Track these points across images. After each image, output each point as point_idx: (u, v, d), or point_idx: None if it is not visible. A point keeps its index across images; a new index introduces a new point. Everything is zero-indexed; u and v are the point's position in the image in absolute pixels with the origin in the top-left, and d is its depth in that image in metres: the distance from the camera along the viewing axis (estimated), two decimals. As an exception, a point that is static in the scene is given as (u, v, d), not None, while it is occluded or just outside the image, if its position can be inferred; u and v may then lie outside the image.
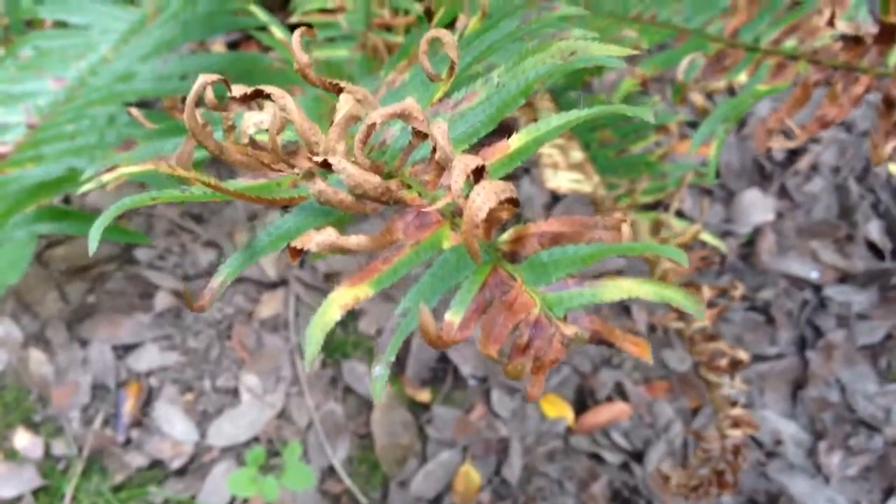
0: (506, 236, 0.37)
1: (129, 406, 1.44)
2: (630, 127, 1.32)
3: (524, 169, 1.66)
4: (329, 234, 0.35)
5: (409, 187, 0.39)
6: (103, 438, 1.42)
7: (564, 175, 1.29)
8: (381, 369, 0.33)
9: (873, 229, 1.63)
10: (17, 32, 1.24)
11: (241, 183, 0.43)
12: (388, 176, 0.41)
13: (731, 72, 0.91)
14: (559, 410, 1.52)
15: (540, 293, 0.34)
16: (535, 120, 1.41)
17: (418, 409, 1.50)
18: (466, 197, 0.32)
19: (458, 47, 0.42)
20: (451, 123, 0.43)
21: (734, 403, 1.16)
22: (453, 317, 0.33)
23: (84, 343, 1.48)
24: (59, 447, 1.41)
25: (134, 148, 0.61)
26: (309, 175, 0.36)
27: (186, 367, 1.49)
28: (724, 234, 1.63)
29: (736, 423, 1.11)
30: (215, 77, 0.44)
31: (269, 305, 1.54)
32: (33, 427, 1.42)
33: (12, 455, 1.39)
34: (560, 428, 1.50)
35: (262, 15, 1.03)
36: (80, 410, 1.44)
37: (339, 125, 0.40)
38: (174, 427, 1.44)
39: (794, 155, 1.70)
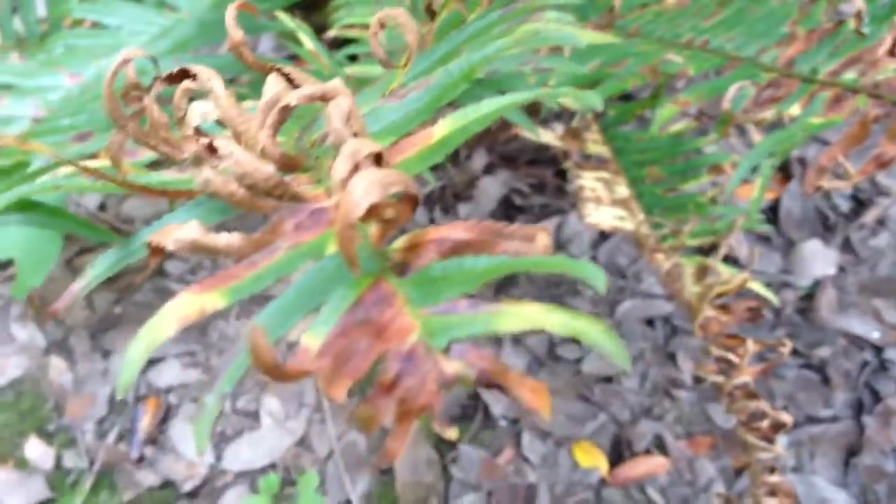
0: (399, 242, 0.29)
1: (145, 422, 1.40)
2: (681, 165, 1.25)
3: (572, 204, 1.59)
4: (191, 230, 0.28)
5: (321, 183, 0.33)
6: (116, 454, 1.38)
7: (607, 210, 1.22)
8: (211, 400, 0.26)
9: (944, 291, 1.52)
10: (55, 31, 1.22)
11: (161, 177, 0.37)
12: (307, 171, 0.35)
13: (784, 103, 0.84)
14: (593, 460, 1.43)
15: (423, 316, 0.27)
16: (584, 151, 1.34)
17: (444, 446, 1.42)
18: (352, 190, 0.26)
19: (416, 31, 0.36)
20: (387, 111, 0.36)
21: (773, 469, 1.07)
22: (310, 340, 0.26)
23: (106, 354, 1.45)
24: (70, 459, 1.37)
25: (89, 140, 0.57)
26: (197, 161, 0.30)
27: (208, 385, 1.44)
28: (782, 286, 1.53)
29: (773, 492, 1.01)
30: (139, 52, 0.39)
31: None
32: (46, 437, 1.39)
33: (22, 464, 1.36)
34: (593, 479, 1.41)
35: (288, 21, 0.99)
36: (95, 423, 1.40)
37: (262, 110, 0.34)
38: (190, 447, 1.40)
39: (860, 207, 1.59)
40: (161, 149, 0.37)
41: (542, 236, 0.27)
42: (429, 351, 0.25)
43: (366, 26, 1.18)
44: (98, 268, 0.33)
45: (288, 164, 0.34)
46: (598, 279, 0.25)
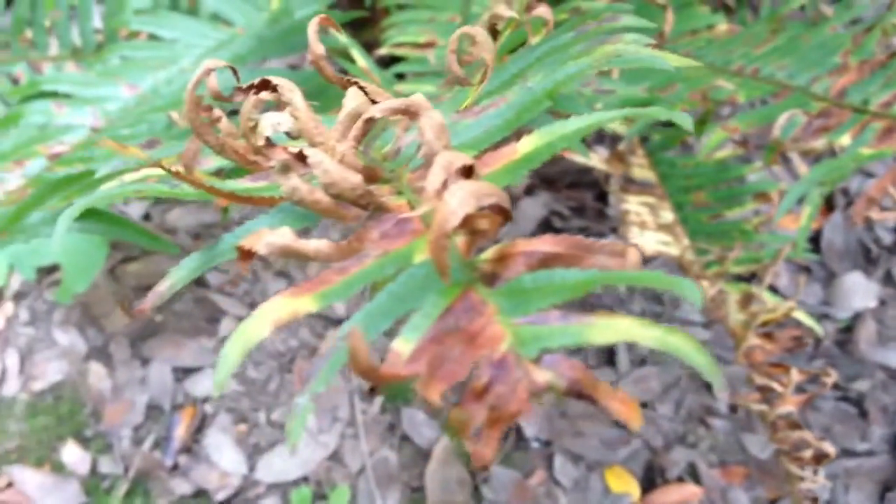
0: (488, 254, 0.30)
1: (181, 430, 1.41)
2: (727, 191, 1.25)
3: (612, 228, 1.59)
4: (283, 236, 0.29)
5: (402, 194, 0.34)
6: (151, 461, 1.39)
7: (651, 235, 1.22)
8: (303, 401, 0.27)
9: None
10: (111, 42, 1.24)
11: (238, 185, 0.38)
12: (384, 183, 0.35)
13: (834, 133, 0.83)
14: (625, 485, 1.42)
15: (513, 325, 0.27)
16: (628, 175, 1.34)
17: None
18: (445, 201, 0.26)
19: (493, 50, 0.37)
20: (464, 127, 0.37)
21: (815, 500, 1.06)
22: (402, 345, 0.27)
23: (145, 362, 1.46)
24: (106, 465, 1.38)
25: (157, 147, 0.58)
26: (284, 169, 0.30)
27: (243, 396, 1.45)
28: (822, 317, 1.52)
29: (812, 522, 1.01)
30: (220, 63, 0.39)
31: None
32: (83, 442, 1.40)
33: (59, 468, 1.37)
34: (625, 505, 1.41)
35: (342, 38, 1.00)
36: (131, 429, 1.41)
37: (342, 122, 0.35)
38: (223, 457, 1.40)
39: (904, 239, 1.58)
40: (245, 158, 0.38)
41: (633, 252, 0.27)
42: (519, 360, 0.26)
43: (416, 45, 1.19)
44: (183, 269, 0.34)
45: (367, 176, 0.34)
46: (695, 294, 0.25)
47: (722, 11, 1.38)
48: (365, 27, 1.41)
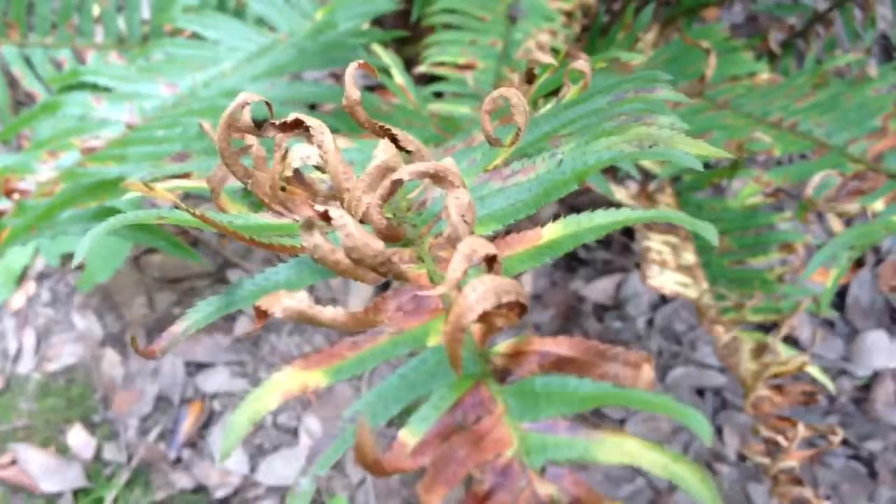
0: (502, 347, 0.30)
1: (187, 424, 1.42)
2: (752, 239, 1.24)
3: (636, 263, 1.58)
4: (300, 301, 0.29)
5: (422, 261, 0.33)
6: (155, 452, 1.39)
7: (671, 276, 1.21)
8: (306, 483, 0.26)
9: None
10: (156, 36, 1.25)
11: (259, 220, 0.38)
12: (407, 244, 0.35)
13: (868, 197, 0.83)
14: (625, 523, 1.41)
15: (521, 431, 0.27)
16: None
17: (477, 489, 1.42)
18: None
19: (527, 112, 0.36)
20: (490, 197, 0.37)
21: (814, 560, 1.04)
22: (409, 437, 0.26)
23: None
24: (110, 452, 1.39)
25: (187, 161, 0.58)
26: (308, 226, 0.30)
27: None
28: (840, 373, 1.51)
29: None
30: (256, 97, 0.39)
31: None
32: (90, 427, 1.41)
33: (64, 450, 1.38)
34: (623, 543, 1.40)
35: (384, 55, 1.00)
36: (139, 419, 1.42)
37: (370, 174, 0.34)
38: (227, 455, 1.40)
39: (930, 302, 1.56)
40: (271, 206, 0.38)
41: (647, 368, 0.26)
42: (524, 468, 0.25)
43: (455, 65, 1.19)
44: (200, 313, 0.34)
45: (390, 234, 0.34)
46: (705, 429, 0.25)
47: (766, 57, 1.38)
48: (409, 42, 1.41)
